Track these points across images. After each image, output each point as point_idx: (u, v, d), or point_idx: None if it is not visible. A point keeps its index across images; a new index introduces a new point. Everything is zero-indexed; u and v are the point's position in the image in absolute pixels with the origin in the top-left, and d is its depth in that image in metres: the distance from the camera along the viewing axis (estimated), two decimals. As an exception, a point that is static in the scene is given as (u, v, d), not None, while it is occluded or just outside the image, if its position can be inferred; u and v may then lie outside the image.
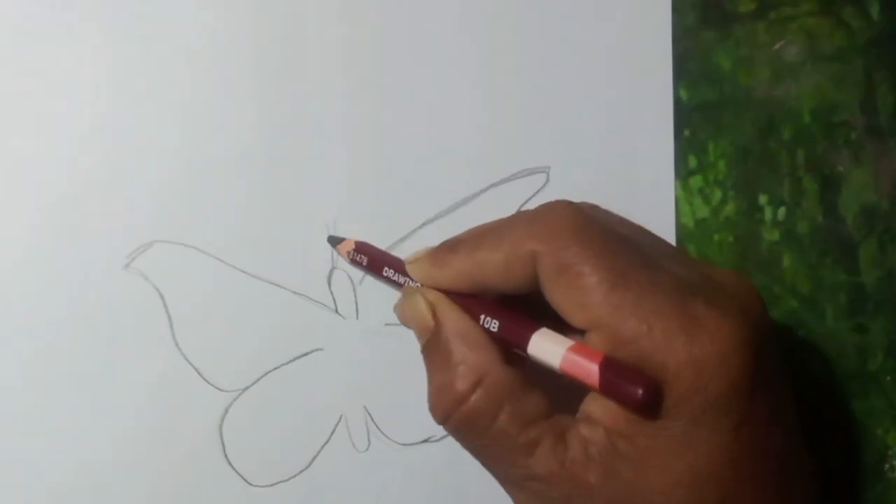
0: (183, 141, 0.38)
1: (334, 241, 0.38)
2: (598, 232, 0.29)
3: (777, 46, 0.40)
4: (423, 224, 0.39)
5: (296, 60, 0.38)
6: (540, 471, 0.28)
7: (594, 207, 0.33)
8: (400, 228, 0.39)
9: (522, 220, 0.30)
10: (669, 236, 0.40)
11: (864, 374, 0.41)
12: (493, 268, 0.30)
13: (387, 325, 0.39)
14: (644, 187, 0.40)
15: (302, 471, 0.39)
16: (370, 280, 0.39)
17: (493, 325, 0.30)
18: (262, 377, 0.38)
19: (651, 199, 0.40)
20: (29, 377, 0.37)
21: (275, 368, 0.38)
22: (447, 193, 0.39)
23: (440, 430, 0.39)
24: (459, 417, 0.30)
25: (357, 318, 0.39)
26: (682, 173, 0.40)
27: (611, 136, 0.40)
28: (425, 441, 0.39)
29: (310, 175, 0.39)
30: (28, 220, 0.37)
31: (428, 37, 0.39)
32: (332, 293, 0.39)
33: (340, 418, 0.39)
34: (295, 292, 0.38)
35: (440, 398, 0.30)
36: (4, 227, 0.37)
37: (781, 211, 0.41)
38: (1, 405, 0.37)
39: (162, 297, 0.38)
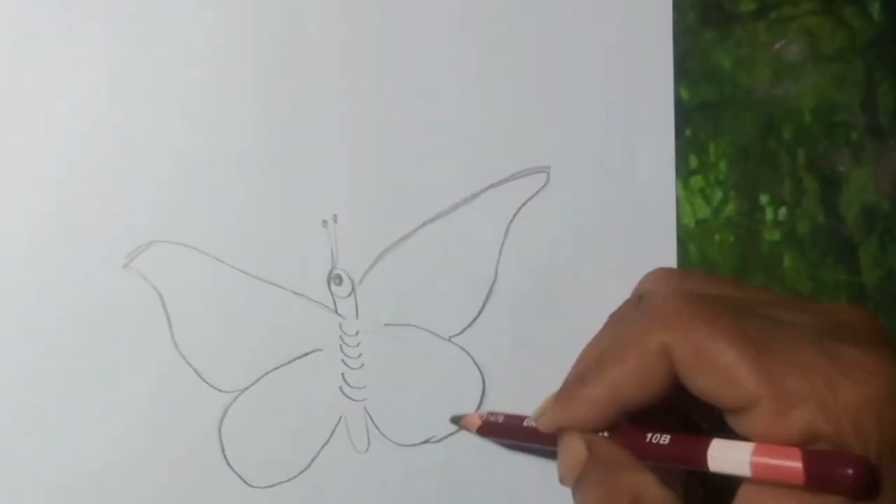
0: (182, 141, 0.38)
1: (456, 420, 0.39)
2: (719, 307, 0.28)
3: (778, 46, 0.40)
4: (424, 224, 0.39)
5: (296, 60, 0.38)
6: None
7: (683, 278, 0.32)
8: (400, 228, 0.39)
9: (640, 319, 0.29)
10: (670, 236, 0.40)
11: (865, 374, 0.41)
12: (628, 379, 0.29)
13: (387, 325, 0.39)
14: (645, 187, 0.40)
15: (301, 472, 0.39)
16: (370, 280, 0.39)
17: (664, 439, 0.29)
18: (261, 378, 0.38)
19: (652, 199, 0.40)
20: (27, 377, 0.37)
21: (274, 369, 0.38)
22: (447, 193, 0.39)
23: (440, 431, 0.39)
24: None
25: (357, 318, 0.39)
26: (683, 173, 0.40)
27: (611, 136, 0.40)
28: (425, 442, 0.39)
29: (309, 175, 0.38)
30: (27, 219, 0.37)
31: (428, 37, 0.39)
32: (331, 293, 0.39)
33: (340, 419, 0.39)
34: (295, 292, 0.38)
35: None
36: (4, 227, 0.37)
37: (782, 211, 0.40)
38: (0, 405, 0.37)
39: (161, 297, 0.38)
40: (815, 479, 0.25)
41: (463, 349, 0.39)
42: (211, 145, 0.38)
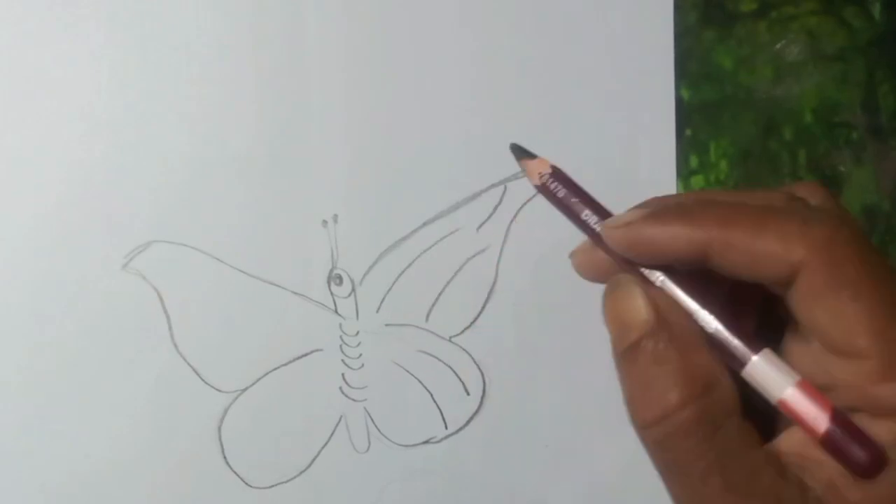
0: (182, 141, 0.38)
1: (520, 154, 0.31)
2: (875, 255, 0.26)
3: (778, 46, 0.40)
4: (424, 224, 0.39)
5: (296, 61, 0.38)
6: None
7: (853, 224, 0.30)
8: (400, 228, 0.39)
9: (796, 217, 0.26)
10: (670, 236, 0.40)
11: (865, 374, 0.41)
12: (743, 255, 0.26)
13: (387, 325, 0.39)
14: (646, 187, 0.40)
15: (301, 472, 0.39)
16: (370, 280, 0.39)
17: (711, 325, 0.26)
18: (261, 378, 0.38)
19: (652, 199, 0.40)
20: (28, 377, 0.37)
21: (274, 369, 0.38)
22: (447, 193, 0.39)
23: (440, 432, 0.39)
24: (678, 424, 0.26)
25: (357, 318, 0.39)
26: (684, 173, 0.40)
27: (613, 136, 0.40)
28: (425, 442, 0.39)
29: (309, 175, 0.38)
30: (27, 219, 0.37)
31: (428, 37, 0.39)
32: (332, 293, 0.39)
33: (340, 419, 0.39)
34: (295, 292, 0.38)
35: (654, 402, 0.26)
36: (4, 227, 0.37)
37: (783, 211, 0.40)
38: (0, 405, 0.37)
39: (160, 297, 0.38)
40: (831, 441, 0.25)
41: (463, 349, 0.39)
42: (211, 145, 0.38)
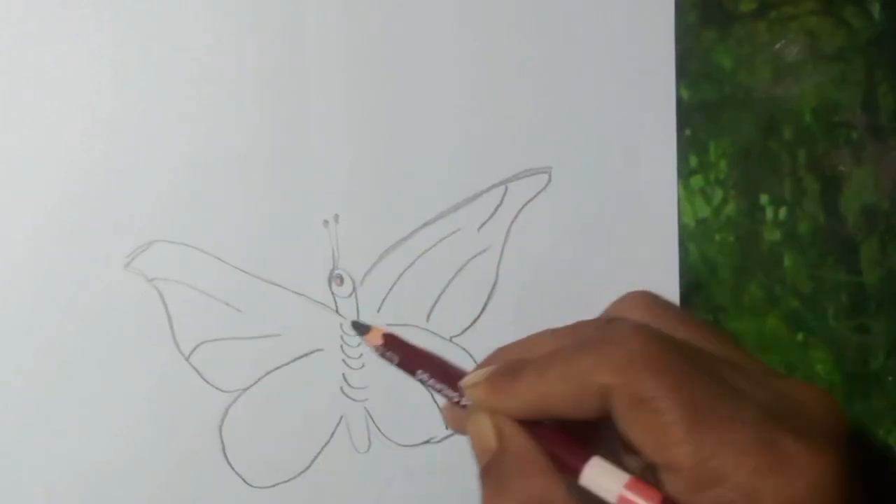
0: (183, 141, 0.38)
1: (361, 330, 0.34)
2: (676, 360, 0.27)
3: (778, 46, 0.40)
4: (425, 224, 0.39)
5: (296, 61, 0.38)
6: None
7: (659, 314, 0.31)
8: (400, 228, 0.39)
9: (593, 348, 0.28)
10: (671, 236, 0.40)
11: (865, 374, 0.41)
12: (561, 401, 0.28)
13: (388, 325, 0.39)
14: (646, 187, 0.40)
15: (302, 472, 0.39)
16: (371, 280, 0.39)
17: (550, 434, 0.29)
18: (262, 378, 0.38)
19: (653, 199, 0.40)
20: (28, 377, 0.37)
21: (275, 369, 0.38)
22: (448, 194, 0.39)
23: (441, 432, 0.39)
24: None
25: (358, 318, 0.39)
26: (684, 173, 0.40)
27: (613, 136, 0.40)
28: (426, 442, 0.39)
29: (310, 175, 0.38)
30: (28, 219, 0.37)
31: (428, 37, 0.39)
32: (332, 293, 0.39)
33: (341, 419, 0.39)
34: (296, 292, 0.38)
35: None
36: (4, 227, 0.37)
37: (782, 211, 0.41)
38: (1, 405, 0.37)
39: (162, 297, 0.38)
40: None
41: (464, 349, 0.39)
42: (212, 146, 0.38)
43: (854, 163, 0.41)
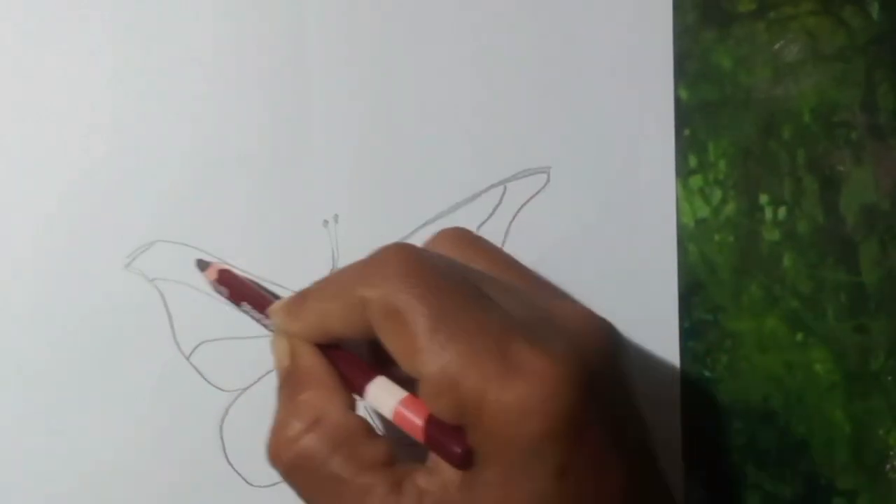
0: (183, 141, 0.38)
1: (202, 266, 0.37)
2: (428, 273, 0.28)
3: (777, 46, 0.40)
4: (424, 224, 0.39)
5: (296, 61, 0.38)
6: None
7: (454, 237, 0.33)
8: (400, 228, 0.39)
9: (356, 265, 0.30)
10: (670, 236, 0.40)
11: (865, 374, 0.41)
12: (333, 318, 0.30)
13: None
14: (645, 187, 0.40)
15: (302, 471, 0.39)
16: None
17: (345, 359, 0.31)
18: (262, 377, 0.38)
19: (652, 199, 0.40)
20: (29, 377, 0.37)
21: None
22: (447, 193, 0.39)
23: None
24: (290, 457, 0.29)
25: (357, 317, 0.39)
26: (683, 173, 0.40)
27: (612, 136, 0.40)
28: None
29: (310, 175, 0.39)
30: (29, 219, 0.37)
31: (428, 37, 0.39)
32: (332, 293, 0.39)
33: (341, 418, 0.39)
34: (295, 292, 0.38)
35: (275, 436, 0.30)
36: (5, 227, 0.37)
37: (782, 211, 0.41)
38: (1, 405, 0.37)
39: (162, 296, 0.38)
40: (431, 442, 0.28)
41: (463, 349, 0.39)
42: (212, 145, 0.38)
43: (854, 163, 0.41)
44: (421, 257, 0.29)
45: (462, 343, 0.27)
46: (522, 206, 0.39)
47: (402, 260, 0.29)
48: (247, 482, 0.38)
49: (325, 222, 0.39)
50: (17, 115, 0.37)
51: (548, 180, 0.40)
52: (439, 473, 0.28)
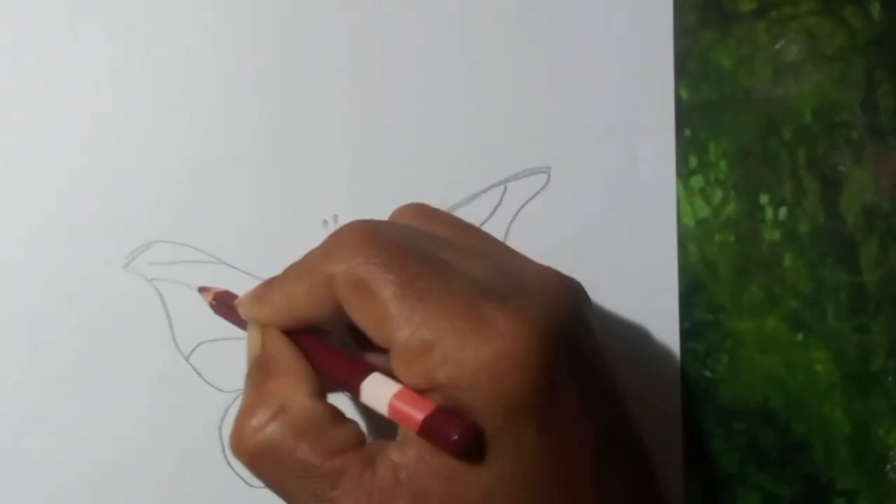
0: (183, 141, 0.38)
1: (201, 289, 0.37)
2: (390, 242, 0.28)
3: (778, 46, 0.40)
4: (424, 224, 0.39)
5: (296, 60, 0.38)
6: (347, 502, 0.27)
7: (415, 210, 0.33)
8: (400, 228, 0.39)
9: (322, 245, 0.30)
10: (671, 236, 0.40)
11: (865, 374, 0.41)
12: (300, 300, 0.30)
13: (387, 325, 0.39)
14: (645, 187, 0.40)
15: (302, 472, 0.39)
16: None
17: (336, 356, 0.30)
18: (262, 377, 0.38)
19: (652, 199, 0.40)
20: (28, 377, 0.37)
21: (275, 369, 0.38)
22: (447, 193, 0.39)
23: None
24: (254, 446, 0.28)
25: (357, 318, 0.39)
26: (683, 173, 0.40)
27: (612, 136, 0.40)
28: (426, 442, 0.39)
29: (310, 175, 0.39)
30: (28, 219, 0.37)
31: (428, 37, 0.39)
32: (332, 293, 0.39)
33: (341, 419, 0.39)
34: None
35: (237, 425, 0.29)
36: (4, 227, 0.37)
37: (782, 211, 0.40)
38: (1, 405, 0.37)
39: (162, 297, 0.38)
40: (428, 434, 0.27)
41: (463, 349, 0.39)
42: (211, 145, 0.38)
43: (854, 163, 0.41)
44: (382, 228, 0.29)
45: (432, 306, 0.27)
46: (522, 206, 0.39)
47: (363, 233, 0.29)
48: (246, 483, 0.38)
49: (325, 222, 0.39)
50: (17, 115, 0.37)
51: (548, 180, 0.40)
52: (412, 445, 0.27)
